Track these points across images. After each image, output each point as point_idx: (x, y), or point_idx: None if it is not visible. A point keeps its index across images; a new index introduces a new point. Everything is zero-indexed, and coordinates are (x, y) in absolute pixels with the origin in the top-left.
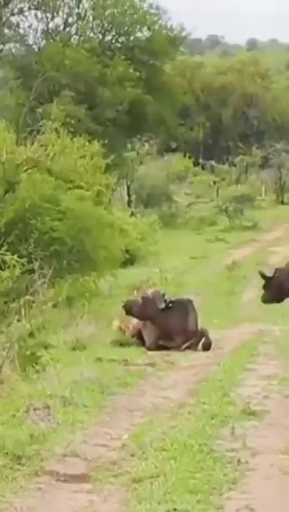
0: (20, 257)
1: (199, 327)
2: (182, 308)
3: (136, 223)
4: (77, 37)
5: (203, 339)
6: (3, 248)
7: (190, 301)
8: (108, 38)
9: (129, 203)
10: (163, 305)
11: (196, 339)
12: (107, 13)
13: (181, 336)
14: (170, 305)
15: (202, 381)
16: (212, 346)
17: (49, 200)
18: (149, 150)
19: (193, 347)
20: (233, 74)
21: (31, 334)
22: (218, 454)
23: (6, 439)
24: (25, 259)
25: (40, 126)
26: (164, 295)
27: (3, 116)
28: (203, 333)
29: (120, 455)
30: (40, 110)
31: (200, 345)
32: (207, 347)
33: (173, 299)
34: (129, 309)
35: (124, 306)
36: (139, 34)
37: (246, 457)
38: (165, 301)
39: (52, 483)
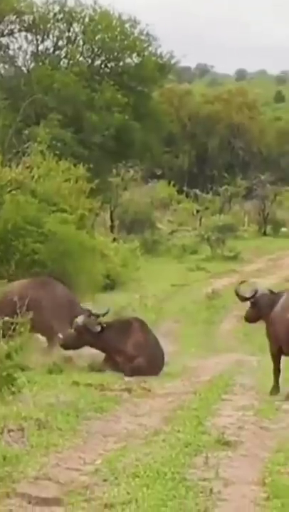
0: (0, 278)
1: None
2: (122, 328)
3: (118, 249)
4: (66, 60)
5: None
6: None
7: (136, 320)
8: (97, 62)
9: (112, 228)
10: (98, 329)
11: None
12: (97, 37)
13: (119, 357)
14: (106, 326)
15: (177, 409)
16: (189, 375)
17: (32, 222)
18: (133, 176)
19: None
20: (221, 103)
21: (8, 355)
22: (191, 482)
23: None
24: (6, 281)
25: (26, 148)
26: (98, 316)
27: None
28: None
29: (93, 480)
30: (26, 132)
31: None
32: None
33: (114, 319)
34: (66, 345)
35: (62, 346)
36: (128, 60)
37: (219, 487)
38: (99, 323)
39: (23, 505)
